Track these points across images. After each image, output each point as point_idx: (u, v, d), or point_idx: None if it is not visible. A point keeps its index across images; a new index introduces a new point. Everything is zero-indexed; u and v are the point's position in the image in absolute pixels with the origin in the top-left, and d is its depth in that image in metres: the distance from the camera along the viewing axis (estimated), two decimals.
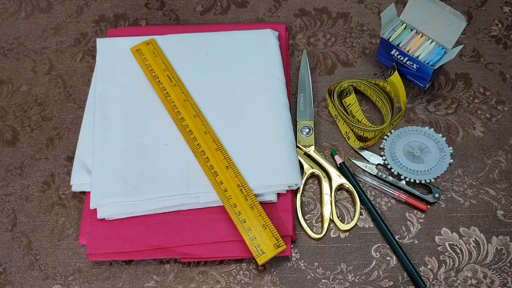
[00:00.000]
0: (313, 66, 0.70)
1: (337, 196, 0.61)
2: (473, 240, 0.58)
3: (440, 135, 0.63)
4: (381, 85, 0.66)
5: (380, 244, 0.58)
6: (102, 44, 0.69)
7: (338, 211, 0.60)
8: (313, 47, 0.72)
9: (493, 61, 0.70)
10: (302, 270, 0.57)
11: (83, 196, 0.62)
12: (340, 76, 0.70)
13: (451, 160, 0.62)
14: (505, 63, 0.69)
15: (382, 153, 0.63)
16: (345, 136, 0.65)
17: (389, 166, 0.61)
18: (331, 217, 0.59)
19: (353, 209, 0.60)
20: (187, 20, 0.76)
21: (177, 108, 0.63)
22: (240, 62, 0.67)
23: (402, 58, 0.66)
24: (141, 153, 0.61)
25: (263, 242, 0.55)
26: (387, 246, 0.58)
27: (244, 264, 0.58)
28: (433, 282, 0.56)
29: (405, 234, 0.59)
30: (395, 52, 0.66)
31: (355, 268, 0.57)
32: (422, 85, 0.67)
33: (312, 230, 0.59)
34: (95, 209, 0.58)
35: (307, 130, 0.64)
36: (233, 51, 0.68)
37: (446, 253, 0.57)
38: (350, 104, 0.66)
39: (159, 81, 0.65)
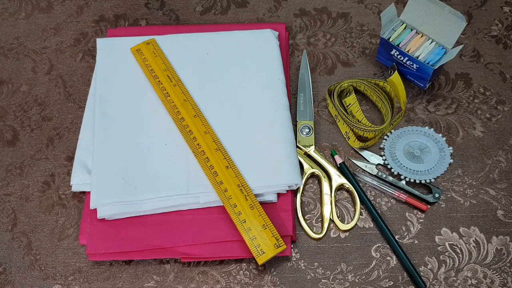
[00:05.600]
0: (313, 66, 0.70)
1: (337, 196, 0.61)
2: (473, 240, 0.58)
3: (440, 135, 0.63)
4: (381, 85, 0.66)
5: (380, 244, 0.58)
6: (102, 44, 0.69)
7: (338, 211, 0.60)
8: (313, 47, 0.72)
9: (493, 61, 0.70)
10: (302, 270, 0.57)
11: (83, 196, 0.62)
12: (340, 76, 0.70)
13: (451, 160, 0.62)
14: (505, 63, 0.69)
15: (382, 153, 0.63)
16: (345, 136, 0.65)
17: (389, 166, 0.61)
18: (331, 217, 0.59)
19: (353, 209, 0.60)
20: (187, 20, 0.76)
21: (177, 108, 0.63)
22: (240, 62, 0.67)
23: (402, 58, 0.66)
24: (141, 153, 0.61)
25: (263, 242, 0.55)
26: (387, 246, 0.58)
27: (244, 264, 0.58)
28: (433, 282, 0.56)
29: (405, 234, 0.59)
30: (395, 52, 0.66)
31: (355, 268, 0.57)
32: (422, 85, 0.67)
33: (312, 230, 0.59)
34: (95, 209, 0.58)
35: (307, 130, 0.64)
36: (233, 51, 0.68)
37: (446, 253, 0.57)
38: (350, 104, 0.66)
39: (159, 81, 0.65)
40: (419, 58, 0.64)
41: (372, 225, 0.59)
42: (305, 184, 0.62)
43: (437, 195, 0.60)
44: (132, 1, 0.78)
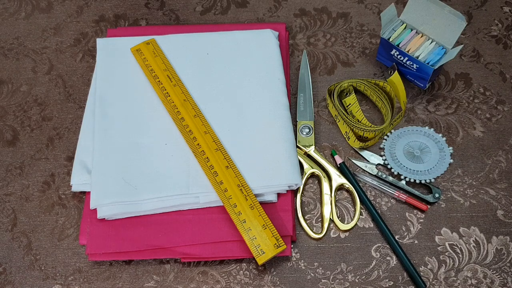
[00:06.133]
0: (313, 66, 0.70)
1: (337, 196, 0.61)
2: (473, 240, 0.58)
3: (440, 135, 0.63)
4: (381, 85, 0.66)
5: (380, 244, 0.58)
6: (102, 44, 0.69)
7: (338, 211, 0.60)
8: (313, 47, 0.72)
9: (493, 61, 0.70)
10: (302, 270, 0.57)
11: (83, 196, 0.62)
12: (340, 76, 0.70)
13: (451, 160, 0.62)
14: (505, 63, 0.69)
15: (382, 153, 0.63)
16: (345, 136, 0.65)
17: (389, 166, 0.61)
18: (331, 217, 0.59)
19: (353, 209, 0.60)
20: (187, 20, 0.76)
21: (177, 108, 0.63)
22: (240, 62, 0.67)
23: (402, 58, 0.66)
24: (141, 153, 0.61)
25: (263, 242, 0.55)
26: (387, 246, 0.58)
27: (244, 264, 0.58)
28: (433, 282, 0.56)
29: (405, 234, 0.59)
30: (395, 52, 0.66)
31: (355, 268, 0.57)
32: (422, 85, 0.67)
33: (312, 230, 0.59)
34: (95, 209, 0.58)
35: (307, 130, 0.64)
36: (233, 51, 0.68)
37: (446, 253, 0.57)
38: (350, 104, 0.66)
39: (159, 81, 0.65)
40: (419, 58, 0.64)
41: (372, 225, 0.59)
42: (305, 184, 0.62)
43: (437, 195, 0.60)
44: (132, 1, 0.78)
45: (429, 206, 0.60)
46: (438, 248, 0.58)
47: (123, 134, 0.62)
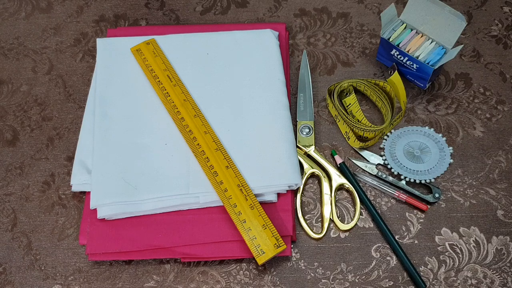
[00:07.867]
0: (313, 66, 0.70)
1: (337, 196, 0.61)
2: (473, 240, 0.58)
3: (440, 135, 0.63)
4: (381, 85, 0.66)
5: (380, 244, 0.58)
6: (102, 44, 0.69)
7: (338, 211, 0.60)
8: (313, 47, 0.72)
9: (493, 61, 0.70)
10: (302, 270, 0.57)
11: (83, 196, 0.62)
12: (340, 76, 0.70)
13: (451, 160, 0.62)
14: (505, 63, 0.69)
15: (382, 153, 0.63)
16: (345, 136, 0.65)
17: (389, 166, 0.61)
18: (331, 217, 0.59)
19: (353, 209, 0.60)
20: (187, 20, 0.76)
21: (177, 108, 0.63)
22: (240, 62, 0.67)
23: (402, 58, 0.66)
24: (141, 153, 0.61)
25: (263, 242, 0.55)
26: (387, 246, 0.58)
27: (244, 264, 0.58)
28: (433, 282, 0.56)
29: (405, 234, 0.59)
30: (395, 52, 0.66)
31: (355, 268, 0.57)
32: (422, 85, 0.67)
33: (312, 230, 0.59)
34: (95, 209, 0.58)
35: (307, 130, 0.64)
36: (233, 51, 0.68)
37: (446, 253, 0.57)
38: (350, 104, 0.66)
39: (159, 81, 0.65)
40: (419, 58, 0.64)
41: (372, 225, 0.59)
42: (305, 184, 0.62)
43: (437, 195, 0.60)
44: (132, 1, 0.78)
45: (429, 206, 0.60)
46: (438, 248, 0.58)
47: (123, 134, 0.62)
